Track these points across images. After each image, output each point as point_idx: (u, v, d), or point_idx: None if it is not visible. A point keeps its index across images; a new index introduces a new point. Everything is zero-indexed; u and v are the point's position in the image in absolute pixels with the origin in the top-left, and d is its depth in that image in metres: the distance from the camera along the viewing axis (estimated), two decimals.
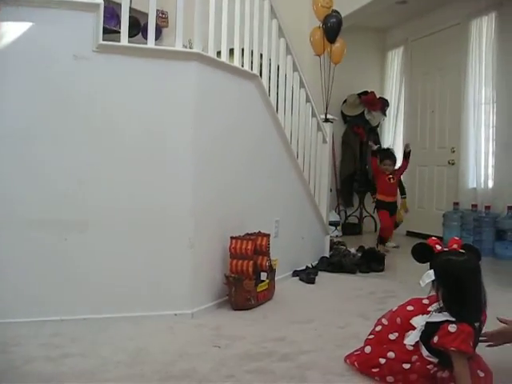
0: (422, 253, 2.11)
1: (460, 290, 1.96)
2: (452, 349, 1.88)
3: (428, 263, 2.09)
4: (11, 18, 2.66)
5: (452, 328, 1.90)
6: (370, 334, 2.28)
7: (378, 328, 2.25)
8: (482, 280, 2.01)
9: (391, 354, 2.08)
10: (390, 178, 5.75)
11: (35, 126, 2.72)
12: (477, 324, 1.96)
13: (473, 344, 1.90)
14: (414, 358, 2.03)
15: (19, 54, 2.69)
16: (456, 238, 2.10)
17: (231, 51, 3.47)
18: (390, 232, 5.89)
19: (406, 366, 2.04)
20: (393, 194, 5.88)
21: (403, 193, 6.27)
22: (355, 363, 2.22)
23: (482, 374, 2.00)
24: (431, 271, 2.04)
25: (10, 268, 2.69)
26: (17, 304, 2.68)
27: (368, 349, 2.20)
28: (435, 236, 5.78)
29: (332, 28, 5.19)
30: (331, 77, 5.37)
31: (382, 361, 2.09)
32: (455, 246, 2.05)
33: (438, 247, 2.07)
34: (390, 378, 2.07)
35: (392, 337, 2.13)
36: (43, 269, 2.73)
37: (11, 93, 2.69)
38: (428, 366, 2.01)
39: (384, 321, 2.25)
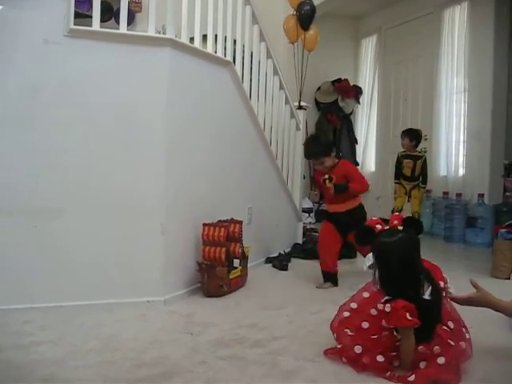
0: (364, 234, 2.16)
1: (388, 269, 2.03)
2: (391, 326, 2.00)
3: None
4: None
5: (387, 308, 1.98)
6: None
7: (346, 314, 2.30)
8: (418, 255, 2.07)
9: (365, 324, 2.17)
10: (324, 180, 3.50)
11: (4, 111, 2.67)
12: (427, 296, 2.01)
13: (415, 315, 1.94)
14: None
15: None
16: (397, 214, 2.18)
17: (204, 37, 3.45)
18: (330, 255, 3.67)
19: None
20: (336, 202, 3.62)
21: (424, 182, 5.65)
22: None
23: (452, 343, 2.03)
24: (371, 254, 2.10)
25: None
26: None
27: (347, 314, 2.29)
28: None
29: (306, 15, 5.17)
30: (305, 64, 5.37)
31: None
32: (395, 222, 2.09)
33: (379, 227, 2.11)
34: (357, 348, 2.12)
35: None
36: (14, 256, 2.70)
37: None
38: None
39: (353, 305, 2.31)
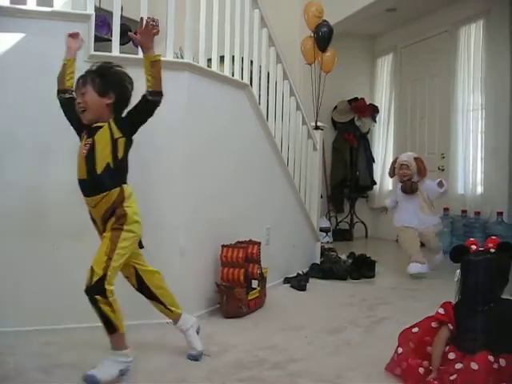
0: (459, 253, 2.29)
1: (466, 285, 2.22)
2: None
3: None
4: (3, 28, 2.68)
5: None
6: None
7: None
8: (499, 278, 2.17)
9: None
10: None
11: (26, 136, 2.73)
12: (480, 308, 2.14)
13: (450, 314, 2.18)
14: None
15: (10, 65, 2.71)
16: (493, 238, 2.24)
17: (222, 58, 3.49)
18: None
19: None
20: None
21: None
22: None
23: (475, 367, 2.01)
24: (458, 270, 2.28)
25: (1, 277, 2.69)
26: (9, 313, 2.68)
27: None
28: None
29: (323, 37, 5.23)
30: (322, 85, 5.40)
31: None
32: (490, 245, 2.19)
33: (474, 247, 2.23)
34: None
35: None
36: (35, 277, 2.73)
37: (2, 103, 2.70)
38: None
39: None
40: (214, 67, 3.34)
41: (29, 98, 2.74)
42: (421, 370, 2.14)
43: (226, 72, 3.47)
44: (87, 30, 2.78)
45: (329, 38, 5.24)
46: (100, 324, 2.62)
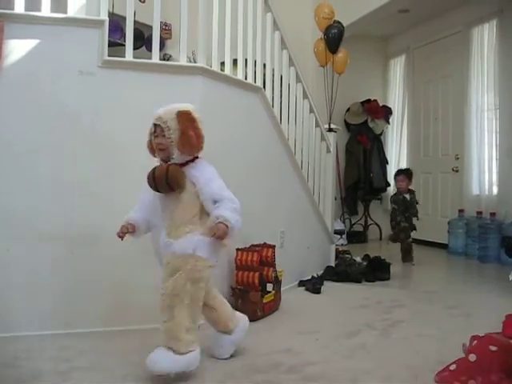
0: None
1: None
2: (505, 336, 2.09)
3: None
4: (17, 35, 2.71)
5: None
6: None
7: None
8: None
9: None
10: None
11: (42, 141, 2.75)
12: None
13: None
14: None
15: (26, 71, 2.74)
16: None
17: (235, 61, 3.50)
18: None
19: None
20: None
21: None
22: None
23: (493, 348, 2.05)
24: None
25: (17, 282, 2.72)
26: (24, 317, 2.70)
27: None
28: (440, 243, 5.75)
29: (333, 39, 5.22)
30: (335, 87, 5.39)
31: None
32: None
33: None
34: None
35: None
36: (51, 281, 2.75)
37: (18, 109, 2.73)
38: None
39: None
40: (228, 71, 3.34)
41: (43, 103, 2.76)
42: None
43: (240, 75, 3.47)
44: (101, 36, 2.80)
45: (339, 39, 5.23)
46: (112, 328, 2.66)
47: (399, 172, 5.80)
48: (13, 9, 2.72)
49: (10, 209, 2.72)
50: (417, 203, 5.66)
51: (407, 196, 5.59)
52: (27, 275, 2.73)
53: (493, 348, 2.11)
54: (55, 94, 2.77)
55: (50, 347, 2.57)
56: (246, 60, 3.60)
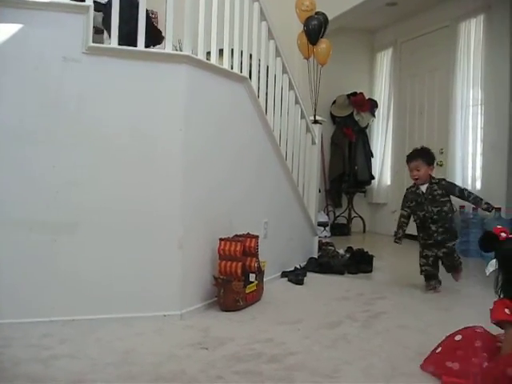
0: (488, 242, 2.20)
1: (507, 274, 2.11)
2: (492, 321, 2.09)
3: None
4: (2, 19, 2.66)
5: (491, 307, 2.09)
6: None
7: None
8: None
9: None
10: None
11: (24, 127, 2.72)
12: None
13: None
14: None
15: (8, 56, 2.70)
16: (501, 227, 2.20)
17: (221, 52, 3.48)
18: None
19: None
20: None
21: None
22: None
23: (479, 330, 2.12)
24: (494, 261, 2.17)
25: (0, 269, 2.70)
26: (6, 305, 2.67)
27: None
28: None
29: (313, 30, 5.21)
30: (319, 79, 5.38)
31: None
32: None
33: (503, 235, 2.16)
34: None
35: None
36: (32, 270, 2.73)
37: (1, 94, 2.69)
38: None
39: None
40: (213, 60, 3.32)
41: (27, 88, 2.73)
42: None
43: (226, 65, 3.46)
44: (85, 22, 2.77)
45: (319, 30, 5.20)
46: (96, 316, 2.65)
47: (411, 155, 4.02)
48: None
49: None
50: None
51: (425, 188, 3.88)
52: (7, 262, 2.70)
53: (478, 330, 2.19)
54: (39, 79, 2.73)
55: (31, 335, 2.55)
56: (233, 50, 3.59)
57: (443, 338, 2.32)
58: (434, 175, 3.97)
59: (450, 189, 3.88)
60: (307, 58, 5.34)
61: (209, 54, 3.33)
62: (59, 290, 2.76)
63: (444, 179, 4.01)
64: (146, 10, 2.96)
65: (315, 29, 5.22)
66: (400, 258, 5.39)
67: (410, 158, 3.97)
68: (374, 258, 4.74)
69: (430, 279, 3.87)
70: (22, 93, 2.72)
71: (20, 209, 2.72)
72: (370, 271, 4.57)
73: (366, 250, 4.81)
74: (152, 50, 3.07)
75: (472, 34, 6.14)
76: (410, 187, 4.00)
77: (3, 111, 2.69)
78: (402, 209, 4.03)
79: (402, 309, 3.35)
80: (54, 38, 2.74)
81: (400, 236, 4.00)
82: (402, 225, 4.00)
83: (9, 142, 2.70)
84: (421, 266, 3.93)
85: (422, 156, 3.90)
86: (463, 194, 3.82)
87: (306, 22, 5.24)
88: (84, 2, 2.79)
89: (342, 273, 4.44)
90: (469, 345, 2.13)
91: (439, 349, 2.26)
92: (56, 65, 2.74)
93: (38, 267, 2.74)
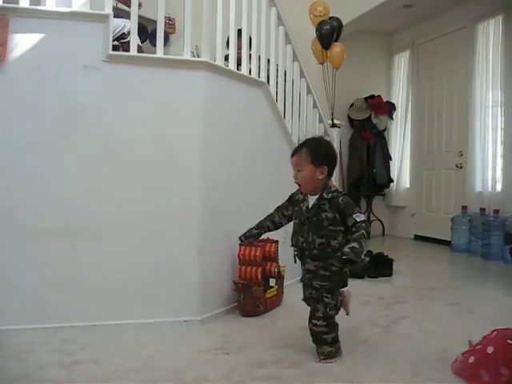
0: None
1: None
2: None
3: None
4: (22, 29, 2.71)
5: None
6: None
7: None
8: None
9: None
10: None
11: (46, 136, 2.76)
12: None
13: None
14: None
15: (30, 65, 2.74)
16: None
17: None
18: None
19: None
20: None
21: None
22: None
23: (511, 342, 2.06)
24: None
25: (21, 276, 2.73)
26: (29, 311, 2.71)
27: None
28: (443, 240, 5.70)
29: (325, 35, 5.20)
30: (335, 82, 5.37)
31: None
32: None
33: None
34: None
35: None
36: (53, 276, 2.77)
37: (22, 103, 2.73)
38: None
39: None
40: (232, 65, 3.33)
41: (47, 97, 2.76)
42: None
43: (244, 70, 3.47)
44: (105, 30, 2.80)
45: (331, 34, 5.20)
46: (118, 321, 2.67)
47: (295, 148, 2.61)
48: (18, 3, 2.72)
49: (12, 205, 2.73)
50: None
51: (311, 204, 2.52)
52: (30, 268, 2.73)
53: (510, 341, 2.13)
54: (59, 88, 2.77)
55: (53, 340, 2.58)
56: (250, 55, 3.59)
57: (466, 342, 2.30)
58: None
59: (344, 213, 2.40)
60: (322, 63, 5.33)
61: (227, 57, 3.34)
62: (80, 295, 2.79)
63: (344, 195, 2.46)
64: None
65: (327, 33, 5.22)
66: (420, 262, 5.36)
67: (294, 150, 2.58)
68: (394, 262, 4.70)
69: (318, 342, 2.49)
70: (42, 101, 2.76)
71: (39, 217, 2.75)
72: (390, 275, 4.54)
73: (385, 254, 4.78)
74: (171, 56, 3.08)
75: (490, 34, 6.10)
76: (296, 192, 2.66)
77: (24, 120, 2.73)
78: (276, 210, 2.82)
79: (424, 313, 3.33)
80: (75, 47, 2.78)
81: (251, 235, 2.78)
82: (261, 225, 2.82)
83: (29, 150, 2.74)
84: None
85: (307, 150, 2.47)
86: (352, 228, 2.36)
87: (319, 27, 5.25)
88: (104, 11, 2.82)
89: (361, 277, 4.42)
90: (499, 357, 2.09)
91: (472, 358, 2.20)
92: (76, 73, 2.78)
93: (59, 273, 2.77)
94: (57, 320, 2.73)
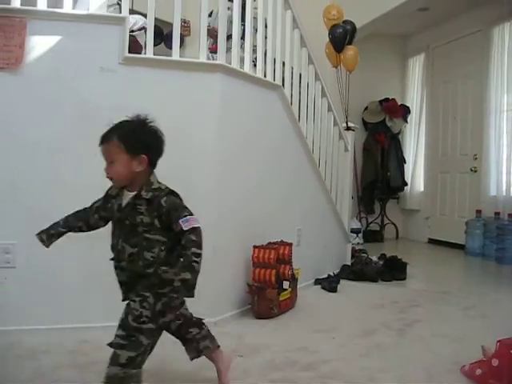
0: None
1: None
2: None
3: None
4: (39, 31, 2.73)
5: None
6: None
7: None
8: None
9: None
10: None
11: (64, 137, 2.77)
12: None
13: None
14: None
15: (47, 67, 2.76)
16: None
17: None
18: None
19: None
20: None
21: None
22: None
23: None
24: None
25: (39, 276, 2.75)
26: (45, 311, 2.73)
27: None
28: (457, 244, 5.66)
29: (338, 38, 5.20)
30: (349, 85, 5.36)
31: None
32: None
33: None
34: None
35: None
36: (68, 277, 2.78)
37: (40, 105, 2.75)
38: None
39: None
40: (247, 68, 3.34)
41: (65, 99, 2.78)
42: None
43: (259, 73, 3.48)
44: (122, 33, 2.82)
45: (344, 38, 5.20)
46: None
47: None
48: (35, 5, 2.74)
49: (38, 206, 2.74)
50: None
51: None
52: (48, 270, 2.76)
53: None
54: (77, 90, 2.78)
55: (68, 341, 2.59)
56: (266, 56, 3.60)
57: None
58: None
59: (168, 218, 1.90)
60: (336, 66, 5.34)
61: (242, 60, 3.35)
62: (95, 296, 2.80)
63: (170, 194, 1.99)
64: None
65: (340, 37, 5.22)
66: (434, 266, 5.34)
67: (102, 136, 2.02)
68: (408, 265, 4.69)
69: None
70: (59, 103, 2.77)
71: (60, 216, 2.77)
72: (404, 279, 4.53)
73: (399, 257, 4.76)
74: (187, 59, 3.10)
75: (506, 38, 6.08)
76: (111, 188, 2.09)
77: (42, 122, 2.75)
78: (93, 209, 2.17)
79: (438, 317, 3.32)
80: (91, 49, 2.80)
81: (55, 234, 2.10)
82: (71, 224, 2.18)
83: (48, 152, 2.76)
84: None
85: (119, 136, 1.97)
86: (184, 237, 1.85)
87: (331, 31, 5.25)
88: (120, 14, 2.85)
89: (375, 280, 4.41)
90: (504, 370, 2.07)
91: (479, 371, 2.18)
92: (93, 75, 2.79)
93: (75, 274, 2.78)
94: (72, 321, 2.74)
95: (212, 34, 3.70)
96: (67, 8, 2.79)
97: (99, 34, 2.81)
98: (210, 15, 3.63)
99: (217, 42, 3.14)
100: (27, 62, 2.73)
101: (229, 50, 3.23)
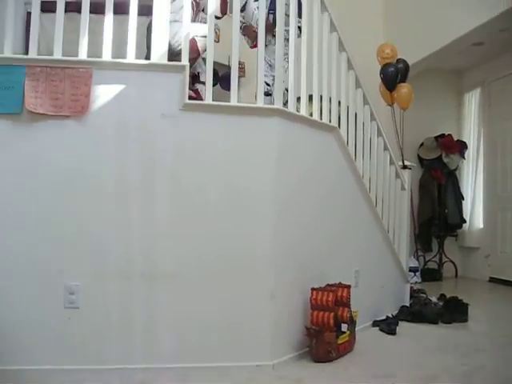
0: None
1: None
2: None
3: None
4: (103, 81, 2.84)
5: None
6: None
7: None
8: None
9: None
10: None
11: (126, 182, 2.86)
12: None
13: None
14: None
15: (111, 115, 2.87)
16: None
17: (310, 97, 3.53)
18: None
19: None
20: None
21: None
22: None
23: None
24: None
25: (98, 317, 2.81)
26: (105, 352, 2.78)
27: None
28: None
29: (390, 77, 5.20)
30: (404, 124, 5.34)
31: None
32: None
33: None
34: None
35: None
36: (129, 318, 2.83)
37: (105, 151, 2.86)
38: None
39: None
40: (303, 108, 3.37)
41: (128, 145, 2.88)
42: None
43: (315, 114, 3.50)
44: (182, 80, 2.91)
45: (395, 77, 5.19)
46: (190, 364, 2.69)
47: None
48: (101, 56, 2.86)
49: (103, 248, 2.83)
50: None
51: None
52: (107, 312, 2.81)
53: None
54: (141, 137, 2.89)
55: (127, 381, 2.64)
56: (321, 97, 3.63)
57: None
58: None
59: None
60: (390, 105, 5.33)
61: (298, 99, 3.38)
62: (154, 337, 2.84)
63: None
64: None
65: (392, 76, 5.22)
66: (497, 306, 5.17)
67: None
68: (469, 306, 4.55)
69: None
70: (123, 149, 2.87)
71: (121, 260, 2.84)
72: (466, 320, 4.39)
73: (460, 298, 4.63)
74: (244, 104, 3.15)
75: None
76: None
77: (107, 168, 2.86)
78: None
79: (505, 362, 3.20)
80: (153, 97, 2.90)
81: None
82: None
83: (113, 197, 2.85)
84: None
85: None
86: None
87: (383, 70, 5.26)
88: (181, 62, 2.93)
89: (435, 322, 4.29)
90: None
91: None
92: (154, 122, 2.89)
93: (135, 315, 2.84)
94: (132, 361, 2.79)
95: (250, 33, 3.74)
96: (130, 58, 2.89)
97: (160, 82, 2.90)
98: (242, 10, 3.66)
99: (256, 42, 3.18)
100: (92, 111, 2.84)
101: None
